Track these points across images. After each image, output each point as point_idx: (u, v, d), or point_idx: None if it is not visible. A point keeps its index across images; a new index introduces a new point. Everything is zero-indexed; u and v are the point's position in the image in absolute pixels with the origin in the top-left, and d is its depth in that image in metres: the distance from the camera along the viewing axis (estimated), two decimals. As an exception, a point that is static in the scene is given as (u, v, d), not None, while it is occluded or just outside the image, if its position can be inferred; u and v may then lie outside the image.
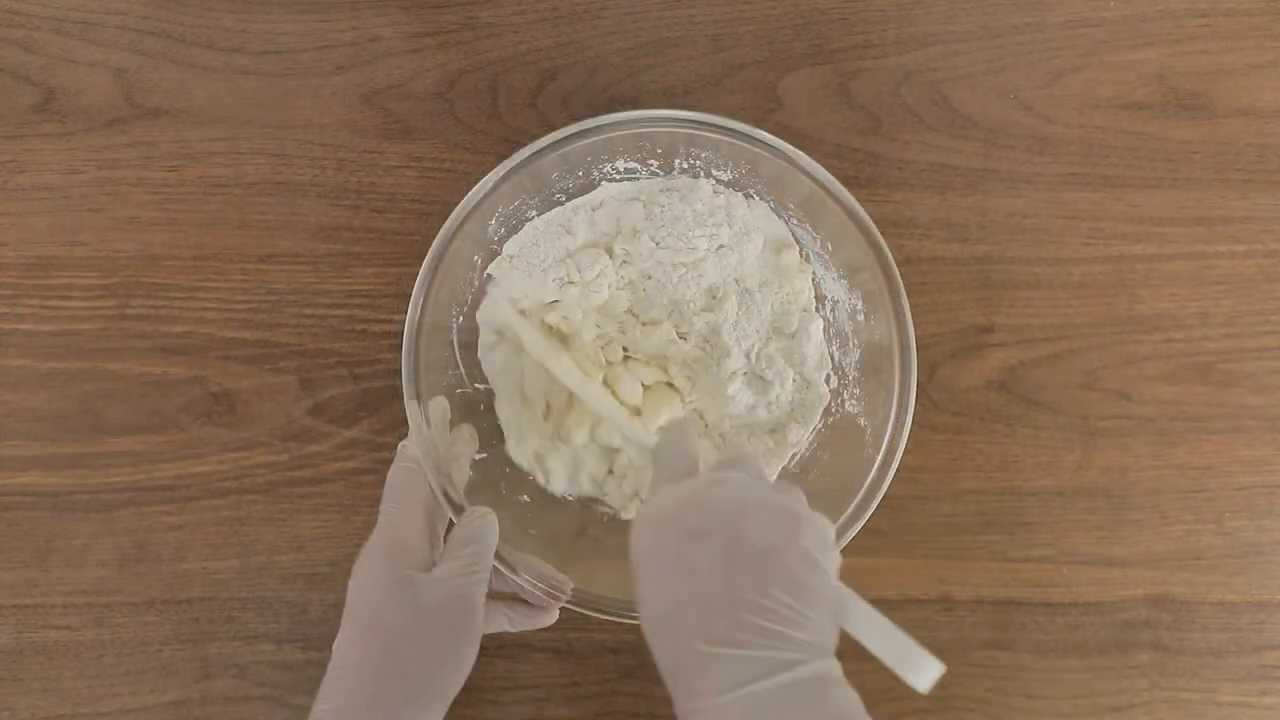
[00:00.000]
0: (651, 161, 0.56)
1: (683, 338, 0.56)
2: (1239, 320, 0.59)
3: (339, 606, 0.45)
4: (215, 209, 0.60)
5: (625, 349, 0.56)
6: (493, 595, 0.47)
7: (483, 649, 0.45)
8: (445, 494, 0.48)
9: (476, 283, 0.56)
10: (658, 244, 0.56)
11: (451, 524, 0.48)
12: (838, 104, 0.61)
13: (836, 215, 0.52)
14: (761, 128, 0.51)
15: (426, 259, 0.50)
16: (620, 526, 0.56)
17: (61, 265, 0.59)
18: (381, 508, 0.47)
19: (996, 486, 0.57)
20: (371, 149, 0.60)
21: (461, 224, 0.51)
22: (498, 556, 0.47)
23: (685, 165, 0.56)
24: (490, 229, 0.55)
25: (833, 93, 0.61)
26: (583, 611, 0.49)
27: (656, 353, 0.56)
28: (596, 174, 0.56)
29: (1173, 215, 0.60)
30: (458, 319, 0.55)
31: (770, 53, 0.62)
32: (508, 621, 0.50)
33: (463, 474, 0.51)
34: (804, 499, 0.41)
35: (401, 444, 0.50)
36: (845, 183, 0.51)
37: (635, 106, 0.54)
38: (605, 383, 0.55)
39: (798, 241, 0.57)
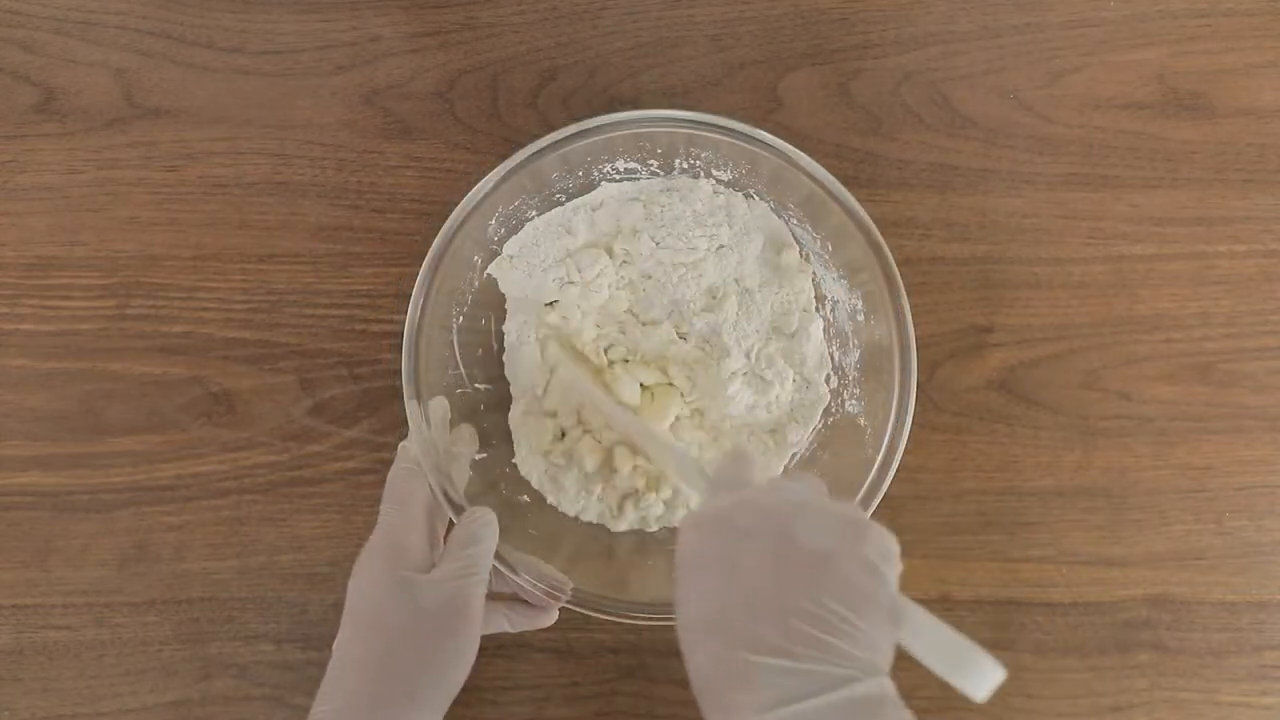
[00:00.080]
0: (651, 161, 0.56)
1: (683, 338, 0.56)
2: (1239, 320, 0.59)
3: (339, 606, 0.45)
4: (215, 209, 0.60)
5: (625, 350, 0.56)
6: (492, 596, 0.47)
7: (483, 649, 0.45)
8: (445, 494, 0.48)
9: (477, 283, 0.56)
10: (658, 244, 0.56)
11: (451, 524, 0.48)
12: (838, 104, 0.61)
13: (836, 215, 0.52)
14: (761, 128, 0.51)
15: (426, 259, 0.50)
16: (620, 526, 0.56)
17: (61, 265, 0.59)
18: (381, 508, 0.47)
19: (996, 486, 0.57)
20: (371, 149, 0.60)
21: (461, 224, 0.51)
22: (498, 556, 0.47)
23: (685, 165, 0.56)
24: (490, 229, 0.55)
25: (833, 93, 0.61)
26: (583, 611, 0.49)
27: (656, 353, 0.56)
28: (596, 174, 0.56)
29: (1173, 215, 0.60)
30: (458, 319, 0.55)
31: (770, 53, 0.62)
32: (507, 622, 0.50)
33: (463, 474, 0.51)
34: (861, 511, 0.39)
35: (401, 444, 0.50)
36: (845, 183, 0.51)
37: (635, 106, 0.54)
38: (605, 383, 0.55)
39: (798, 241, 0.57)
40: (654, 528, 0.55)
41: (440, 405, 0.52)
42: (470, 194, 0.51)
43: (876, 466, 0.50)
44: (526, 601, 0.50)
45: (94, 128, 0.61)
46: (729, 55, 0.62)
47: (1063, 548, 0.56)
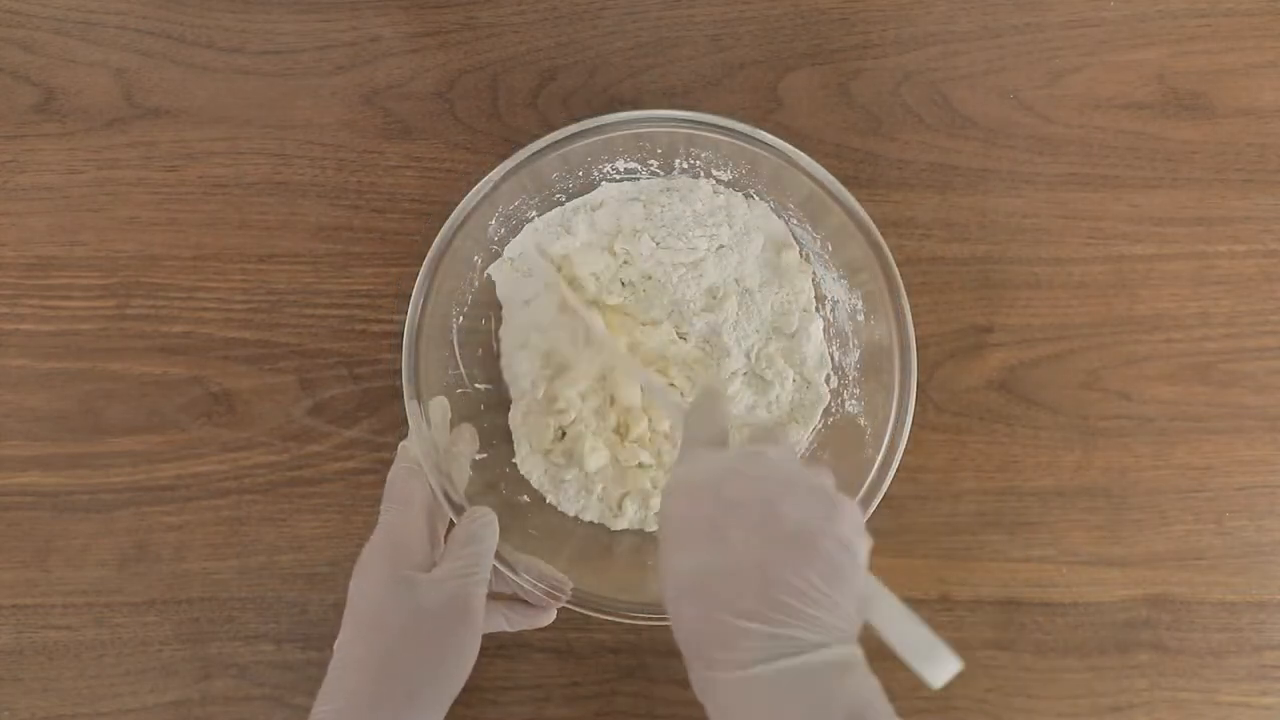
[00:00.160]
0: (651, 161, 0.56)
1: (683, 338, 0.56)
2: (1239, 320, 0.58)
3: (339, 606, 0.45)
4: (215, 209, 0.60)
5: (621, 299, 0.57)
6: (492, 595, 0.47)
7: (483, 649, 0.45)
8: (445, 494, 0.48)
9: (477, 283, 0.56)
10: (658, 244, 0.56)
11: (452, 524, 0.48)
12: (838, 104, 0.61)
13: (836, 215, 0.52)
14: (761, 128, 0.51)
15: (426, 259, 0.50)
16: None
17: (61, 265, 0.59)
18: (382, 508, 0.47)
19: (996, 486, 0.57)
20: (371, 149, 0.60)
21: (461, 224, 0.51)
22: (498, 556, 0.47)
23: (685, 165, 0.56)
24: (490, 229, 0.55)
25: (833, 93, 0.61)
26: (583, 611, 0.49)
27: (656, 353, 0.56)
28: (596, 174, 0.56)
29: (1173, 215, 0.60)
30: (458, 319, 0.55)
31: (770, 53, 0.62)
32: (506, 621, 0.50)
33: (463, 474, 0.51)
34: (833, 480, 0.41)
35: (402, 444, 0.50)
36: (845, 183, 0.51)
37: (635, 106, 0.54)
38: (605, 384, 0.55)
39: (798, 241, 0.57)
40: (654, 527, 0.55)
41: (440, 405, 0.52)
42: (470, 194, 0.51)
43: (876, 466, 0.50)
44: (526, 601, 0.50)
45: (94, 128, 0.61)
46: (729, 55, 0.62)
47: (1063, 548, 0.56)
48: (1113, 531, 0.56)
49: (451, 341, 0.55)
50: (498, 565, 0.47)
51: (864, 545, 0.40)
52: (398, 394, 0.51)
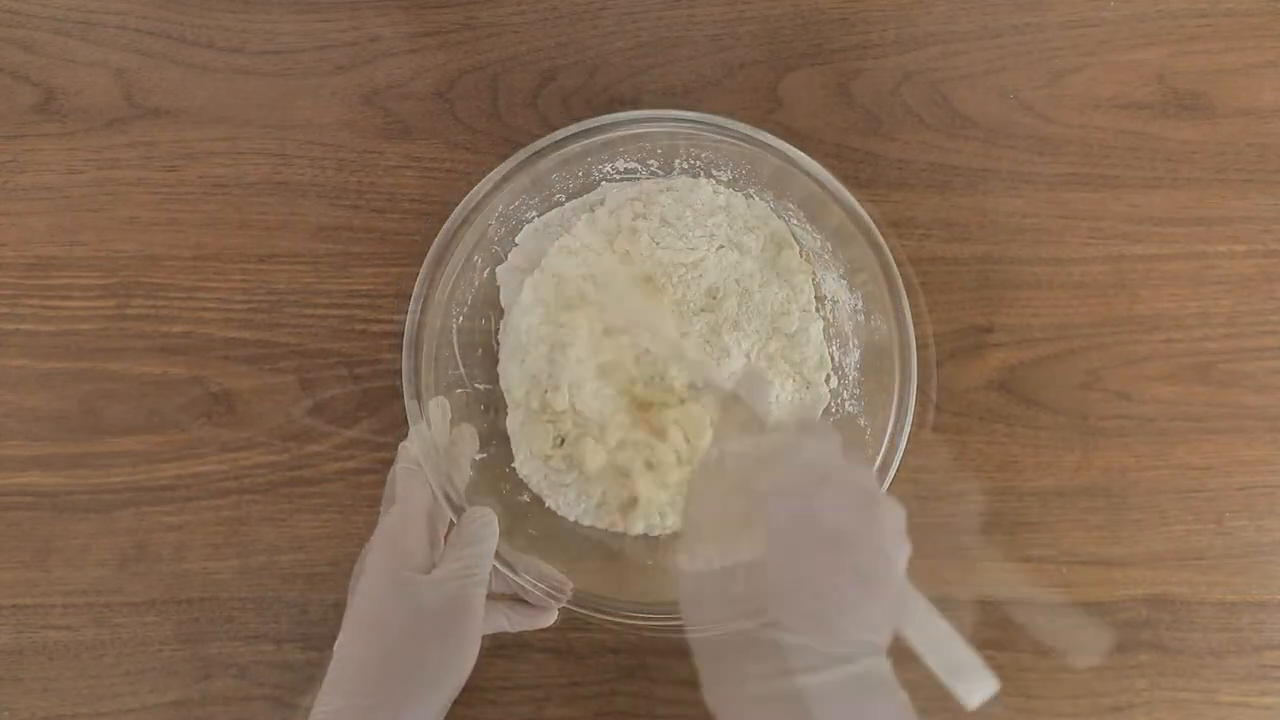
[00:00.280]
0: (651, 161, 0.56)
1: (683, 338, 0.56)
2: (1239, 320, 0.59)
3: (339, 606, 0.45)
4: (215, 209, 0.60)
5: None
6: (492, 595, 0.47)
7: (483, 649, 0.45)
8: (445, 494, 0.48)
9: (477, 283, 0.56)
10: (658, 244, 0.56)
11: (452, 524, 0.48)
12: (838, 104, 0.61)
13: (836, 215, 0.52)
14: (761, 128, 0.51)
15: (426, 259, 0.50)
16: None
17: (61, 265, 0.59)
18: (382, 508, 0.47)
19: (996, 486, 0.57)
20: (371, 149, 0.60)
21: (461, 224, 0.51)
22: (498, 556, 0.47)
23: (685, 165, 0.56)
24: (490, 229, 0.55)
25: (833, 93, 0.61)
26: (583, 612, 0.49)
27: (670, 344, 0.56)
28: (596, 174, 0.56)
29: (1173, 215, 0.60)
30: (458, 319, 0.55)
31: (770, 53, 0.62)
32: (506, 621, 0.50)
33: (463, 474, 0.51)
34: (874, 475, 0.38)
35: (402, 444, 0.50)
36: (845, 183, 0.51)
37: (635, 106, 0.54)
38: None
39: (798, 241, 0.57)
40: (656, 532, 0.55)
41: (440, 405, 0.52)
42: (470, 194, 0.51)
43: (876, 467, 0.50)
44: (526, 601, 0.50)
45: (94, 128, 0.61)
46: (729, 55, 0.62)
47: (1063, 548, 0.56)
48: (1112, 531, 0.56)
49: (451, 341, 0.55)
50: (498, 565, 0.47)
51: (903, 552, 0.37)
52: (398, 394, 0.51)
